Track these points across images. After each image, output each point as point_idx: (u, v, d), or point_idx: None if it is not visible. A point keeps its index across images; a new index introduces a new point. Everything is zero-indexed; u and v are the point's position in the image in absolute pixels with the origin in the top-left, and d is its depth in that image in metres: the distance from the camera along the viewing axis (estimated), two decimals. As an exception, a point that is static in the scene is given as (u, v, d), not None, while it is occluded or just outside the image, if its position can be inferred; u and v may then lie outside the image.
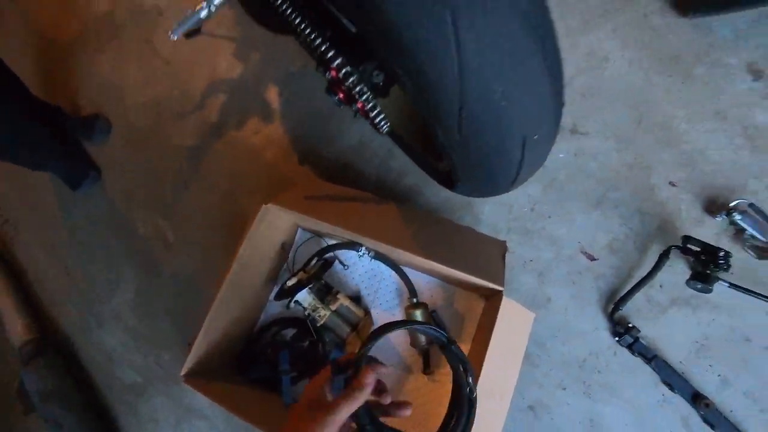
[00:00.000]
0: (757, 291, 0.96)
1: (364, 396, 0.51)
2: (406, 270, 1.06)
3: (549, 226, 1.11)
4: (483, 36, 0.47)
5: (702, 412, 0.94)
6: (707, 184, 1.09)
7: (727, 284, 0.98)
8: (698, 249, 0.96)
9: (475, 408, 0.58)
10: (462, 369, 0.59)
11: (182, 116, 1.58)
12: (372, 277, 1.12)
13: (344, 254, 1.14)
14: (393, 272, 1.06)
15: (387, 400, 0.57)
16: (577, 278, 1.07)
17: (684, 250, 0.98)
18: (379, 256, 1.04)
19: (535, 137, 0.60)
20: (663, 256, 1.00)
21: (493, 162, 0.63)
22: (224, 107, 1.54)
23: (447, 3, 0.44)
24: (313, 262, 1.07)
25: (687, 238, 0.99)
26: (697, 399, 0.94)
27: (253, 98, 1.48)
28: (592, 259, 1.07)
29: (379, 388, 0.57)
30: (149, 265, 1.53)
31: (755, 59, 1.19)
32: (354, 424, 0.55)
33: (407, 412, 0.56)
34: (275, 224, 1.08)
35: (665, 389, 0.97)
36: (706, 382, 0.97)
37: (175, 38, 0.75)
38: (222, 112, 1.54)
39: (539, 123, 0.59)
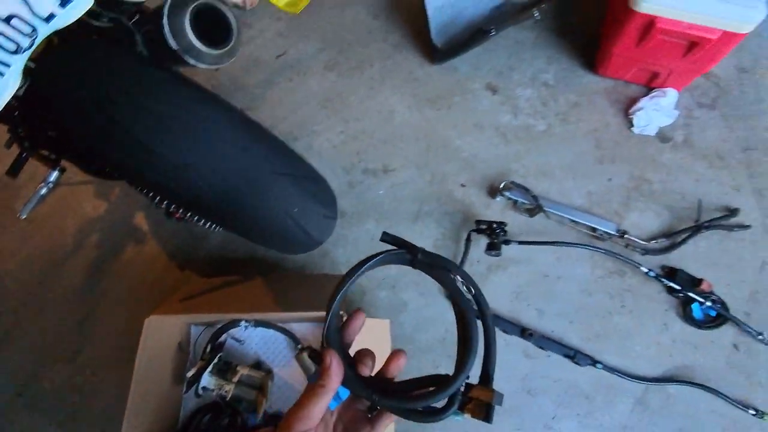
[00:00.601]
0: (539, 240, 1.32)
1: (330, 383, 0.43)
2: (289, 324, 1.26)
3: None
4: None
5: (532, 341, 1.24)
6: (485, 177, 1.48)
7: (517, 243, 1.33)
8: (485, 226, 1.30)
9: (488, 313, 0.49)
10: (448, 272, 0.50)
11: (61, 263, 1.66)
12: (264, 342, 1.30)
13: (237, 332, 1.31)
14: (277, 331, 1.25)
15: (369, 364, 0.49)
16: (420, 279, 1.35)
17: (478, 231, 1.32)
18: (259, 323, 1.23)
19: (296, 210, 0.86)
20: (467, 240, 1.33)
21: (276, 235, 0.89)
22: (100, 242, 1.66)
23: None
24: (208, 349, 1.23)
25: (477, 222, 1.33)
26: (524, 332, 1.24)
27: (124, 227, 1.63)
28: None
29: (358, 358, 0.49)
30: (67, 418, 1.54)
31: (490, 80, 1.66)
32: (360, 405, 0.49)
33: (401, 362, 0.50)
34: (165, 331, 1.22)
35: (505, 335, 1.27)
36: (529, 318, 1.29)
37: (24, 216, 0.92)
38: (99, 248, 1.66)
39: (293, 201, 0.86)
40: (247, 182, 0.81)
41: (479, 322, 0.48)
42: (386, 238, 0.50)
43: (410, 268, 0.52)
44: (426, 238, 1.39)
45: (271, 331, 1.30)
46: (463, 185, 1.47)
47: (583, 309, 1.28)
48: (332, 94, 1.68)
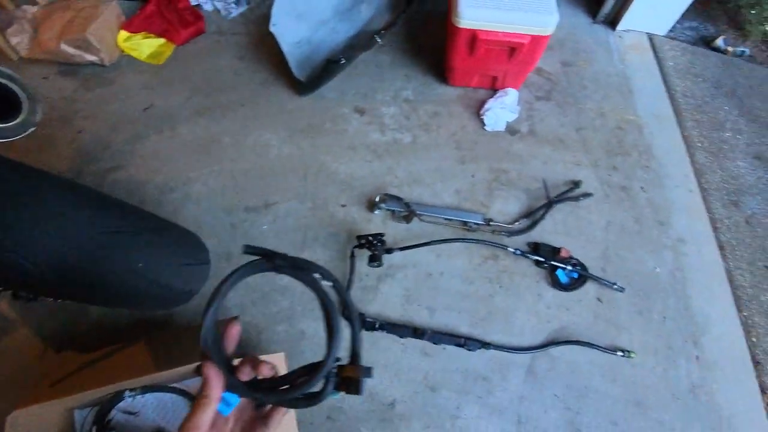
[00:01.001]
0: (418, 243, 1.40)
1: (211, 392, 0.44)
2: (183, 382, 1.20)
3: (278, 280, 1.40)
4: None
5: (426, 339, 1.29)
6: (363, 193, 1.54)
7: (399, 250, 1.39)
8: (364, 241, 1.36)
9: (347, 299, 0.52)
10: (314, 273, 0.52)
11: None
12: (161, 408, 1.22)
13: (126, 404, 1.22)
14: (171, 393, 1.18)
15: (248, 369, 0.48)
16: (314, 305, 1.36)
17: (360, 246, 1.37)
18: (148, 389, 1.16)
19: (140, 265, 0.85)
20: (351, 257, 1.38)
21: (129, 295, 0.87)
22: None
23: None
24: (93, 429, 1.12)
25: (358, 237, 1.38)
26: (417, 332, 1.29)
27: (-13, 321, 1.46)
28: None
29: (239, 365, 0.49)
30: None
31: (356, 103, 1.75)
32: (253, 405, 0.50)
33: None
34: (38, 425, 1.10)
35: (402, 340, 1.31)
36: (422, 317, 1.35)
37: None
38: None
39: (134, 257, 0.84)
40: (74, 249, 0.78)
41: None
42: (248, 250, 0.53)
43: (284, 278, 0.55)
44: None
45: (167, 395, 1.23)
46: (343, 205, 1.52)
47: (468, 297, 1.37)
48: (205, 138, 1.68)
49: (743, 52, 2.23)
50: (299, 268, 0.53)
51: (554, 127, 1.73)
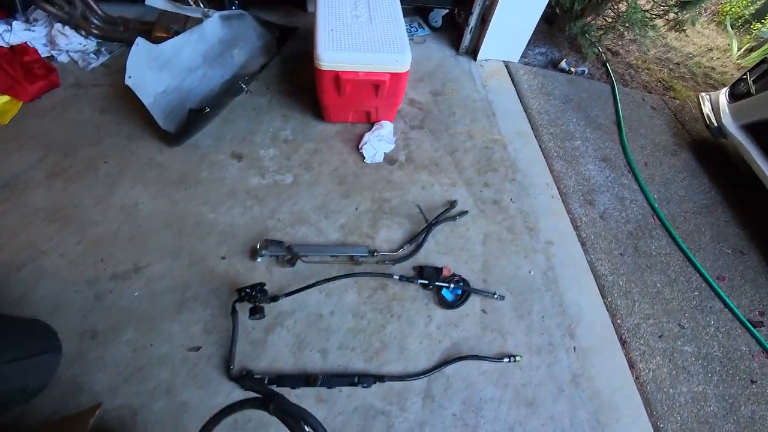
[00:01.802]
0: (303, 286, 1.35)
1: None
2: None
3: (152, 353, 1.26)
4: None
5: (320, 385, 1.24)
6: (245, 242, 1.47)
7: (284, 296, 1.34)
8: (244, 294, 1.28)
9: None
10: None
11: None
12: None
13: None
14: None
15: None
16: (196, 371, 1.25)
17: (241, 299, 1.29)
18: None
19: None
20: (233, 312, 1.29)
21: None
22: None
23: None
24: None
25: (238, 290, 1.30)
26: (309, 380, 1.23)
27: None
28: (198, 348, 1.27)
29: None
30: None
31: (233, 148, 1.69)
32: None
33: None
34: None
35: (294, 391, 1.24)
36: (314, 362, 1.29)
37: None
38: None
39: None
40: None
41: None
42: (249, 386, 0.61)
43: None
44: (195, 323, 1.30)
45: None
46: (223, 257, 1.44)
47: (360, 332, 1.35)
48: (62, 203, 1.50)
49: (583, 71, 2.58)
50: (291, 416, 0.55)
51: (429, 152, 1.82)
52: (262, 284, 1.31)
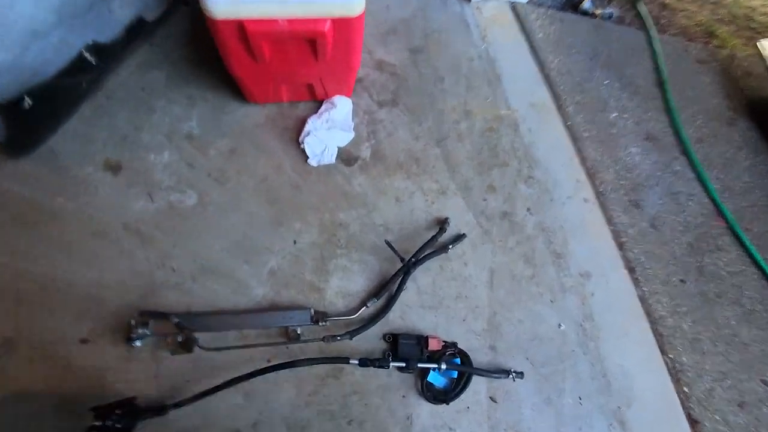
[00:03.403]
0: (205, 389, 0.82)
1: None
2: None
3: None
4: None
5: None
6: (118, 313, 0.91)
7: (173, 407, 0.81)
8: (100, 423, 0.75)
9: None
10: None
11: None
12: None
13: None
14: None
15: None
16: None
17: (98, 429, 0.75)
18: None
19: None
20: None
21: None
22: None
23: None
24: None
25: (95, 412, 0.77)
26: None
27: None
28: None
29: None
30: None
31: (107, 155, 1.08)
32: None
33: None
34: None
35: None
36: None
37: None
38: None
39: None
40: None
41: None
42: None
43: None
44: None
45: None
46: (84, 341, 0.88)
47: (299, 456, 0.84)
48: None
49: (610, 14, 1.89)
50: None
51: (407, 142, 1.22)
52: (131, 400, 0.78)
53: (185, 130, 1.15)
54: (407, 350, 0.91)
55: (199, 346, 0.86)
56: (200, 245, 1.00)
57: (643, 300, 1.14)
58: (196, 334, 0.90)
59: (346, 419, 0.87)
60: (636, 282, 1.16)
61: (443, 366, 0.89)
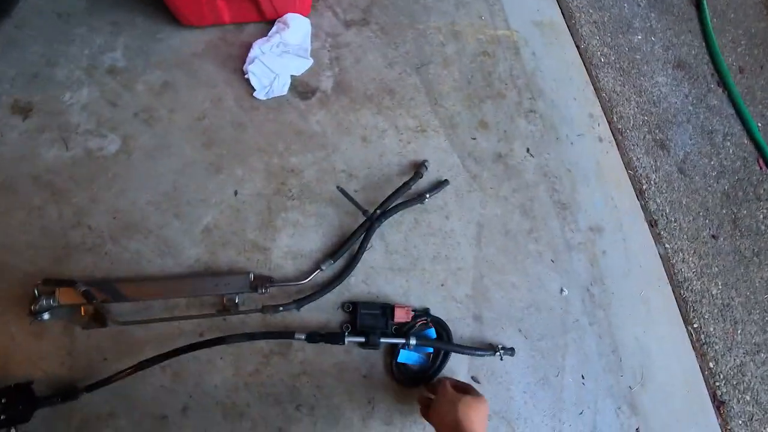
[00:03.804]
0: (121, 370, 0.67)
1: None
2: None
3: None
4: None
5: None
6: (25, 279, 0.75)
7: (86, 390, 0.66)
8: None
9: None
10: None
11: None
12: None
13: None
14: None
15: None
16: None
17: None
18: None
19: None
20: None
21: None
22: None
23: None
24: None
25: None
26: None
27: None
28: None
29: None
30: None
31: (16, 94, 0.89)
32: None
33: None
34: None
35: None
36: None
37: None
38: None
39: None
40: None
41: None
42: None
43: None
44: None
45: None
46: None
47: (237, 446, 0.69)
48: None
49: None
50: None
51: (378, 70, 0.98)
52: (25, 385, 0.63)
53: (108, 63, 0.93)
54: (369, 322, 0.74)
55: (113, 320, 0.70)
56: (123, 199, 0.82)
57: (665, 259, 0.94)
58: (115, 305, 0.74)
59: (293, 404, 0.72)
60: (658, 238, 0.95)
61: (412, 341, 0.72)
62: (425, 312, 0.77)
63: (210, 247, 0.80)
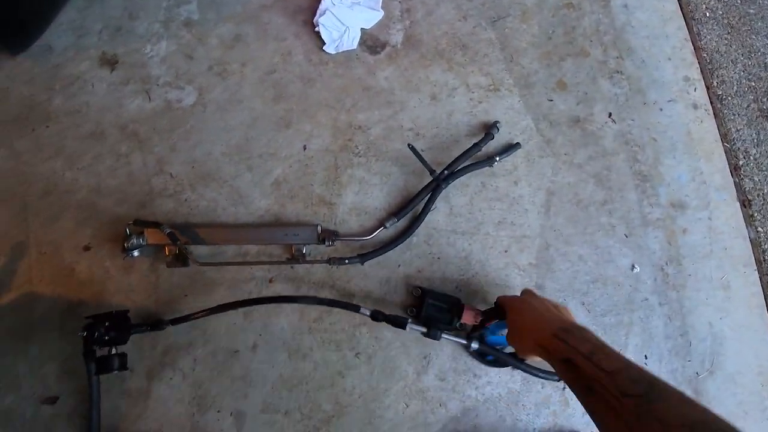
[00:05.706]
0: (199, 310, 0.70)
1: None
2: None
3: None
4: None
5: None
6: (122, 218, 0.80)
7: (170, 323, 0.71)
8: (94, 329, 0.66)
9: None
10: None
11: None
12: None
13: None
14: None
15: None
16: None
17: (91, 339, 0.68)
18: None
19: None
20: (87, 358, 0.69)
21: None
22: None
23: None
24: None
25: (88, 317, 0.69)
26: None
27: None
28: (54, 400, 0.73)
29: None
30: None
31: (104, 48, 0.91)
32: None
33: None
34: None
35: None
36: (226, 429, 0.71)
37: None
38: None
39: None
40: None
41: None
42: None
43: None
44: (48, 361, 0.74)
45: None
46: (87, 248, 0.79)
47: (300, 384, 0.72)
48: None
49: None
50: None
51: (450, 23, 0.89)
52: (123, 312, 0.69)
53: (183, 16, 0.92)
54: (434, 314, 0.70)
55: (194, 261, 0.73)
56: (199, 150, 0.83)
57: (755, 244, 0.82)
58: (194, 247, 0.77)
59: (353, 351, 0.73)
60: (750, 220, 0.83)
61: (473, 345, 0.68)
62: (492, 310, 0.70)
63: (279, 199, 0.80)
